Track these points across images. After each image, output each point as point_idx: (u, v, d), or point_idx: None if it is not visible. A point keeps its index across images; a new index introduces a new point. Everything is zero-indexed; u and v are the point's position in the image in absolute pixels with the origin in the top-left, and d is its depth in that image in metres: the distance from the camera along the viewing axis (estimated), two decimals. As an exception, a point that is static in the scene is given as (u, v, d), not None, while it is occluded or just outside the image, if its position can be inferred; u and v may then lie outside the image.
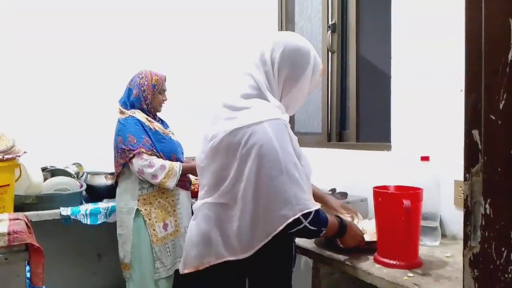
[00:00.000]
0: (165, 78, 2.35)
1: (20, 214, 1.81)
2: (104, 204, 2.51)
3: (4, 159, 2.01)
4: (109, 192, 2.56)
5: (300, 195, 1.20)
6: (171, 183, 2.16)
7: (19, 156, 2.10)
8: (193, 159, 2.75)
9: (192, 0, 3.42)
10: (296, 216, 1.18)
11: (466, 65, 0.67)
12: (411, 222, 1.24)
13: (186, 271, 1.36)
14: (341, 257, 1.40)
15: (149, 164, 2.11)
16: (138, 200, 2.17)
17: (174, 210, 2.24)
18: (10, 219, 1.68)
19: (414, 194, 1.30)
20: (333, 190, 2.07)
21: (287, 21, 2.87)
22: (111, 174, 2.61)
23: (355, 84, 2.24)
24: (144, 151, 2.12)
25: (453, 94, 1.61)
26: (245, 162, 1.21)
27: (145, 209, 2.17)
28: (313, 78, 1.39)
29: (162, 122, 2.41)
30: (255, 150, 1.19)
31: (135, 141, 2.13)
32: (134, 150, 2.11)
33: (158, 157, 2.17)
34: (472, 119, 0.66)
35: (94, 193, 2.65)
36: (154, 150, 2.17)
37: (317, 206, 1.25)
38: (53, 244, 2.02)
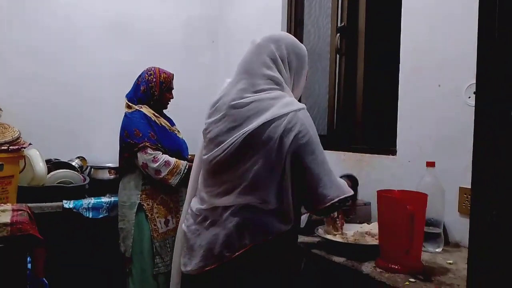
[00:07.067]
0: (173, 77, 2.36)
1: (23, 205, 1.82)
2: (106, 199, 2.51)
3: (9, 150, 2.02)
4: (112, 187, 2.56)
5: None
6: (174, 180, 2.15)
7: (24, 147, 2.11)
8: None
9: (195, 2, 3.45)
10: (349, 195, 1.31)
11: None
12: (415, 228, 1.23)
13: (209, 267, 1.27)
14: (342, 260, 1.40)
15: (153, 159, 2.11)
16: (140, 195, 2.17)
17: (177, 207, 2.24)
18: (13, 210, 1.69)
19: (418, 199, 1.30)
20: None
21: (296, 24, 2.85)
22: (114, 168, 2.62)
23: (362, 87, 2.24)
24: (149, 145, 2.12)
25: (460, 101, 1.61)
26: (291, 151, 1.25)
27: (148, 204, 2.17)
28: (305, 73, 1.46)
29: (168, 119, 2.41)
30: (297, 138, 1.24)
31: (141, 135, 2.13)
32: (139, 144, 2.11)
33: (163, 153, 2.17)
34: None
35: (97, 187, 2.66)
36: (159, 145, 2.17)
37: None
38: (54, 237, 2.03)
